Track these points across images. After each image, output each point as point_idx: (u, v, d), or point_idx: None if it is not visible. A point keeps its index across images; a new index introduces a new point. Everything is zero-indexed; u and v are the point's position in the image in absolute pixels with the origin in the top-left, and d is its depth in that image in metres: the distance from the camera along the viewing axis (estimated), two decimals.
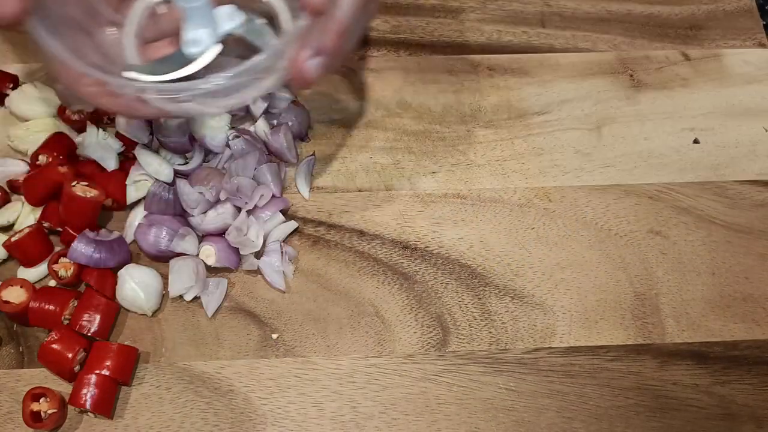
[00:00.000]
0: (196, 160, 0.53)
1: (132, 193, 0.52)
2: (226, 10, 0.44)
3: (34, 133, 0.54)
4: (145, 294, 0.49)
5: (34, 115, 0.55)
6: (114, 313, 0.49)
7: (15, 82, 0.56)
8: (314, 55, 0.40)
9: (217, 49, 0.44)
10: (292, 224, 0.52)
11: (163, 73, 0.43)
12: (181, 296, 0.50)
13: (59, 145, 0.52)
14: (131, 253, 0.51)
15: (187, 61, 0.43)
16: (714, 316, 0.51)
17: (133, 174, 0.52)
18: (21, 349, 0.49)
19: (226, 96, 0.41)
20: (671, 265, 0.52)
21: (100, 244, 0.49)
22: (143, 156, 0.52)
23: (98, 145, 0.52)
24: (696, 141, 0.57)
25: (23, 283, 0.48)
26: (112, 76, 0.40)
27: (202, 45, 0.43)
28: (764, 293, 0.52)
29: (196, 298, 0.50)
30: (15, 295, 0.48)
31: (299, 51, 0.39)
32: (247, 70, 0.39)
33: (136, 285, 0.49)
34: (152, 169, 0.51)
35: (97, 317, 0.48)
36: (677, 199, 0.55)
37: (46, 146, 0.52)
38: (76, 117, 0.54)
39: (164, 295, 0.50)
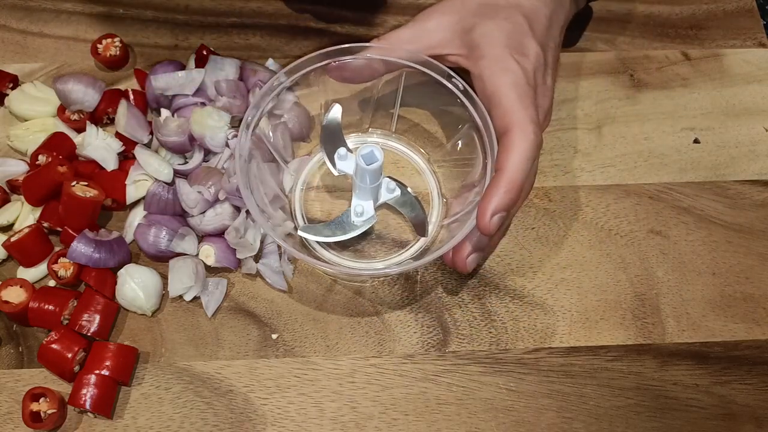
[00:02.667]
0: (195, 159, 0.53)
1: (132, 193, 0.51)
2: (387, 183, 0.50)
3: (33, 132, 0.54)
4: (144, 294, 0.49)
5: (33, 115, 0.55)
6: (114, 313, 0.49)
7: (15, 82, 0.56)
8: (473, 251, 0.45)
9: (375, 218, 0.50)
10: (291, 224, 0.52)
11: (329, 236, 0.49)
12: (180, 296, 0.50)
13: (59, 145, 0.52)
14: (131, 253, 0.51)
15: (350, 225, 0.50)
16: (714, 316, 0.51)
17: (133, 174, 0.51)
18: (21, 349, 0.49)
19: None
20: (671, 265, 0.52)
21: (100, 244, 0.49)
22: (143, 156, 0.52)
23: (98, 145, 0.52)
24: (696, 141, 0.57)
25: (23, 283, 0.48)
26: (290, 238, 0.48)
27: (366, 215, 0.50)
28: (764, 293, 0.52)
29: (195, 298, 0.50)
30: (15, 295, 0.48)
31: (462, 246, 0.45)
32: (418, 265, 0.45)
33: (135, 285, 0.48)
34: (152, 168, 0.51)
35: (97, 317, 0.48)
36: (677, 199, 0.54)
37: (45, 146, 0.52)
38: (75, 117, 0.54)
39: (164, 295, 0.50)
